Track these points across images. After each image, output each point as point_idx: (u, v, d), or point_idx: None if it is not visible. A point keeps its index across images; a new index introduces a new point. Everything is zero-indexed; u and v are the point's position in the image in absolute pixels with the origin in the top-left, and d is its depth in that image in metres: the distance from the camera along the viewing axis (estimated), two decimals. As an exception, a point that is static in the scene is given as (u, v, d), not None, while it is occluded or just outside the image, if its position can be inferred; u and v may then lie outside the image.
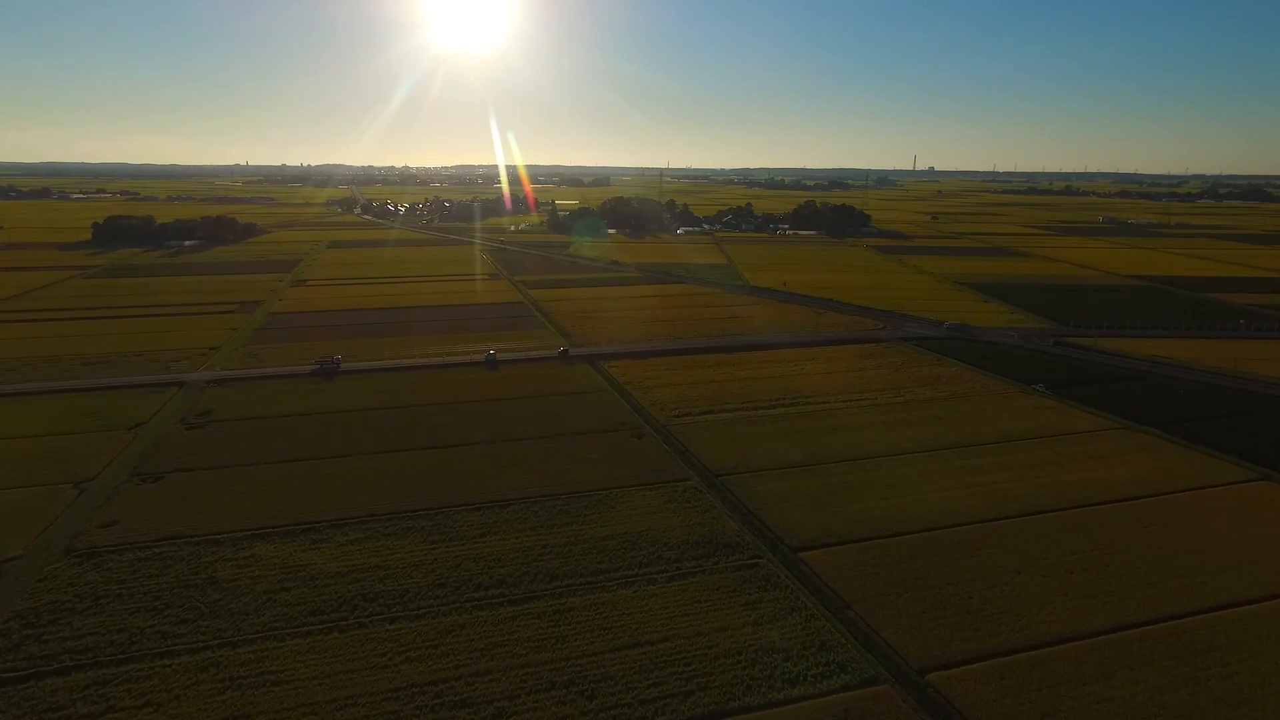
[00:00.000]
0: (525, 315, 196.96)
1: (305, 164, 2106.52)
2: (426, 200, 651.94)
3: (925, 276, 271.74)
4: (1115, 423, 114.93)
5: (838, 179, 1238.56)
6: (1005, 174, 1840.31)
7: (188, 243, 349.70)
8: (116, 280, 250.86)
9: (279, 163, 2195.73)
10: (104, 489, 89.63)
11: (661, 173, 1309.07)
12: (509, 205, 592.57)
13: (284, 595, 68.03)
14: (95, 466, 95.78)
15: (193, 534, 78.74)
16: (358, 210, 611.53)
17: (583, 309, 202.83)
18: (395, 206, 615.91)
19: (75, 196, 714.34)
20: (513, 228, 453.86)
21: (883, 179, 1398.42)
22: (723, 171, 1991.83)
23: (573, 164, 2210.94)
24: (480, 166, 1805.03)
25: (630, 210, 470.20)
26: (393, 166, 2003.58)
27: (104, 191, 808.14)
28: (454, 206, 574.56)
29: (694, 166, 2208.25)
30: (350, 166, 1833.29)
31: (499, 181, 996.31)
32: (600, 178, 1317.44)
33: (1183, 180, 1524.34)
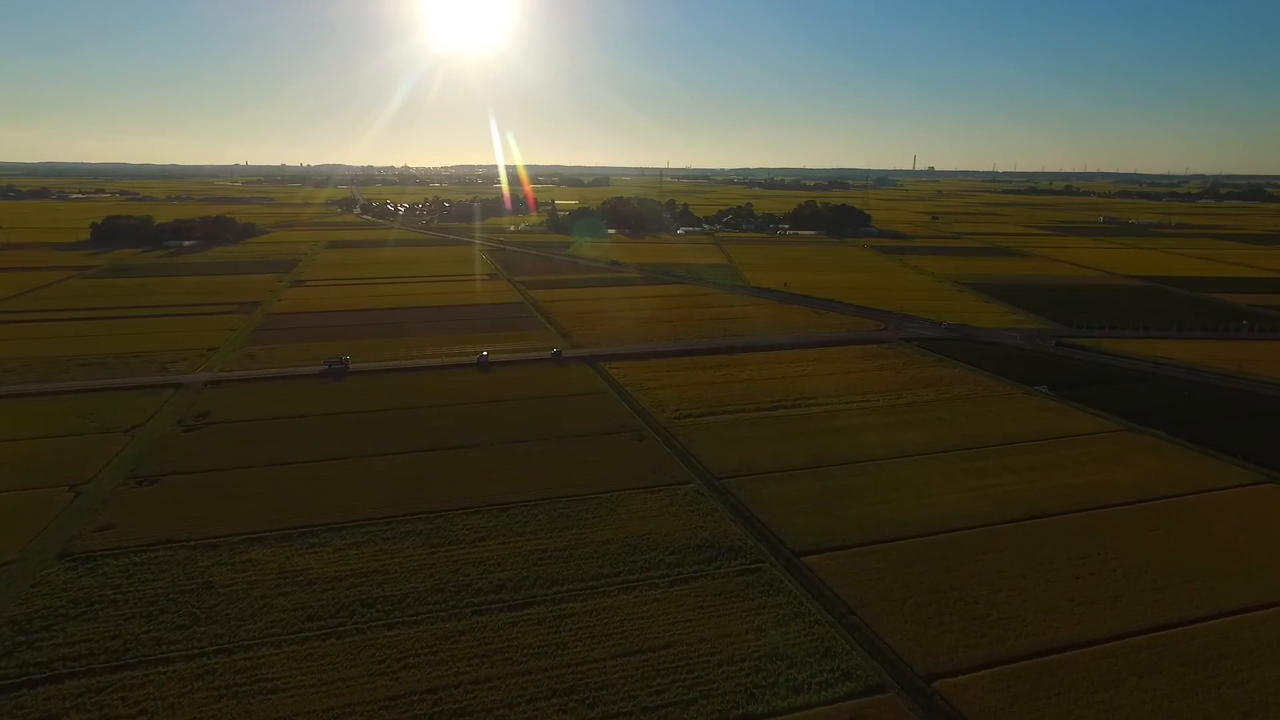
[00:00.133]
0: (525, 316, 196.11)
1: (305, 164, 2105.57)
2: (426, 200, 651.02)
3: (926, 277, 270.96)
4: (1119, 424, 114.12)
5: (838, 179, 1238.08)
6: (1005, 174, 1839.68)
7: (186, 243, 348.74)
8: (114, 280, 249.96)
9: (279, 163, 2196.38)
10: (99, 492, 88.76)
11: (661, 173, 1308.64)
12: (509, 205, 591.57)
13: (281, 600, 67.18)
14: (91, 469, 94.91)
15: (189, 538, 77.88)
16: (357, 210, 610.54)
17: (582, 309, 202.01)
18: (395, 206, 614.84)
19: (74, 196, 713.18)
20: (512, 228, 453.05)
21: (883, 179, 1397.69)
22: (722, 171, 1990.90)
23: (572, 164, 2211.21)
24: (480, 166, 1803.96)
25: (630, 210, 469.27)
26: (392, 166, 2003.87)
27: (103, 191, 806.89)
28: (453, 206, 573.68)
29: (694, 166, 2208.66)
30: (350, 166, 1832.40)
31: (498, 181, 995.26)
32: (600, 178, 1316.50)
33: (1183, 180, 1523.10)
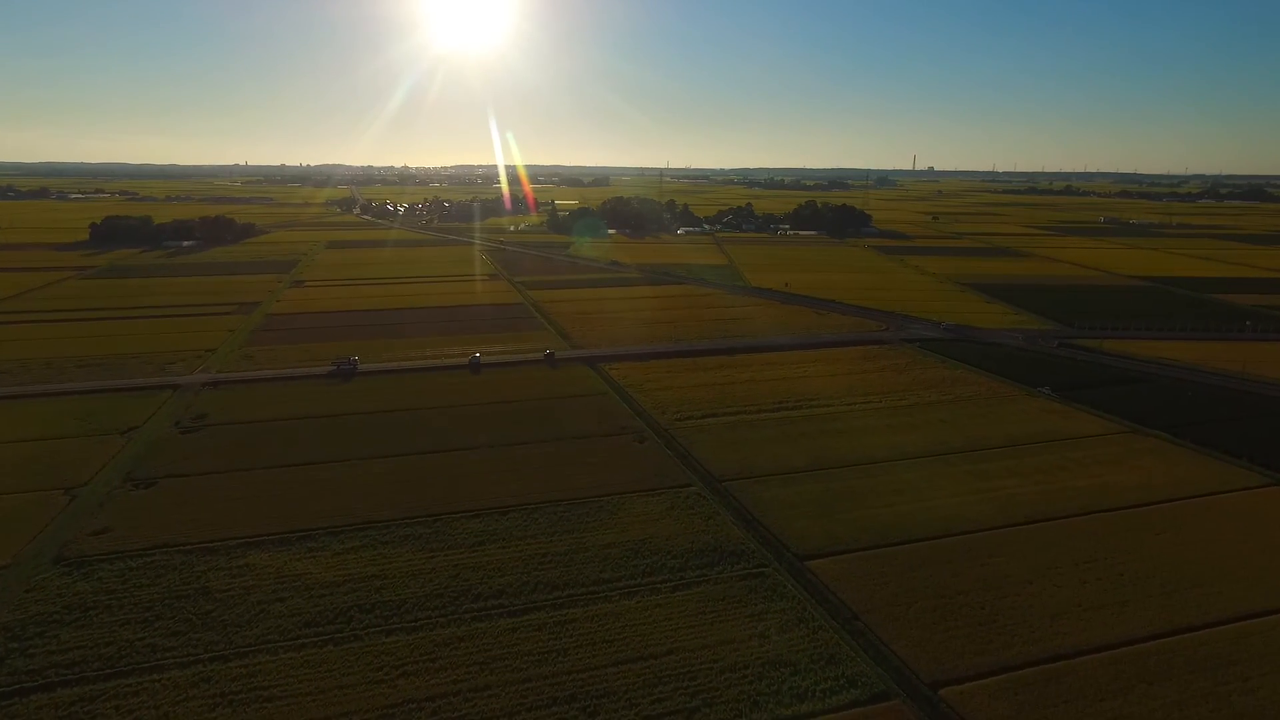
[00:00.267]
0: (525, 316, 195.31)
1: (305, 164, 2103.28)
2: (426, 200, 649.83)
3: (927, 277, 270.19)
4: (1123, 426, 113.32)
5: (837, 179, 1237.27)
6: (1005, 174, 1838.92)
7: (185, 243, 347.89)
8: (113, 281, 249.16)
9: (278, 163, 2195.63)
10: (96, 495, 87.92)
11: (661, 173, 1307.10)
12: (508, 205, 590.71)
13: (278, 606, 66.34)
14: (87, 472, 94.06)
15: (185, 542, 77.06)
16: (357, 210, 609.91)
17: (582, 310, 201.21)
18: (394, 206, 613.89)
19: (73, 196, 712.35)
20: (512, 228, 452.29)
21: (882, 179, 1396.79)
22: (722, 171, 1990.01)
23: (572, 164, 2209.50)
24: (480, 166, 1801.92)
25: (630, 210, 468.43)
26: (392, 166, 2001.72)
27: (102, 191, 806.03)
28: (453, 206, 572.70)
29: (694, 166, 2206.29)
30: (350, 166, 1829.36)
31: (498, 181, 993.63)
32: (600, 178, 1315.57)
33: (1183, 180, 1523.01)
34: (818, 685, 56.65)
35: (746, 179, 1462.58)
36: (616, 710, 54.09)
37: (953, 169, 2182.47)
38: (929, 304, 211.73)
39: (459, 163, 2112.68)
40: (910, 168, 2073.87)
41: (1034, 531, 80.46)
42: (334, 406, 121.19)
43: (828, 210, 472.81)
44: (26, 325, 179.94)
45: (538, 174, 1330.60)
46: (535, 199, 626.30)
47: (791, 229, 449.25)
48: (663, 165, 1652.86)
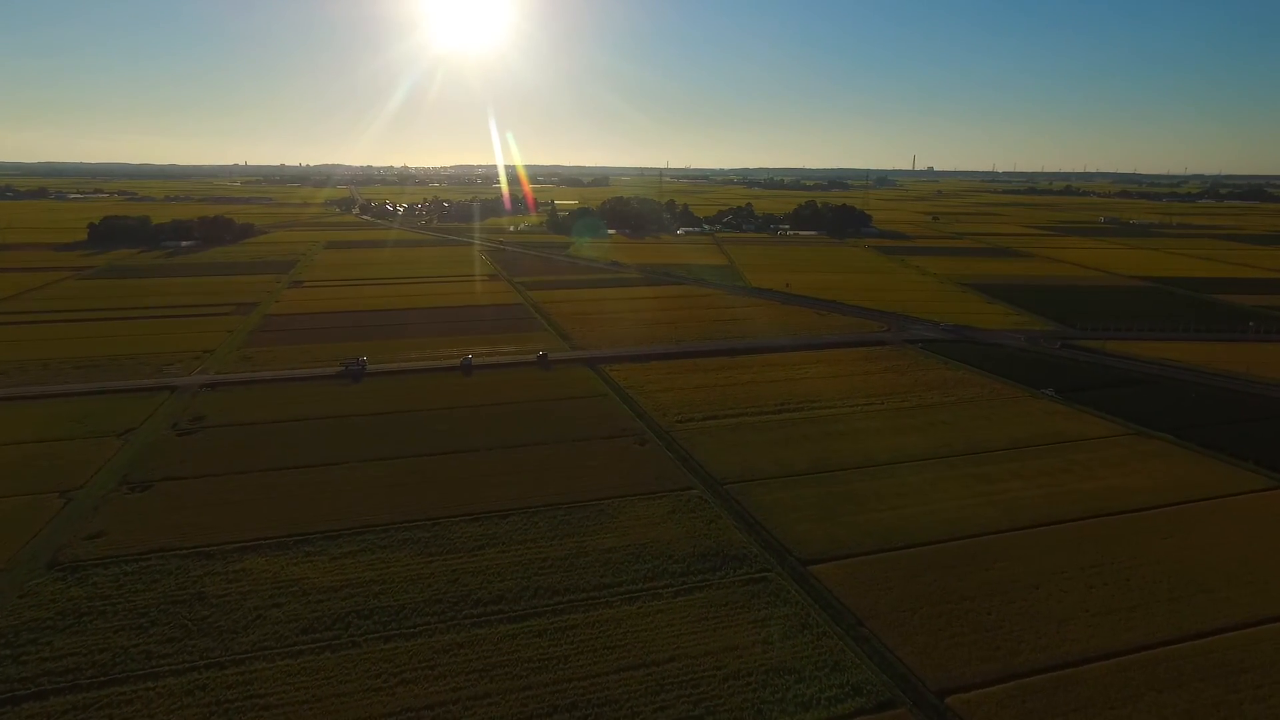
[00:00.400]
0: (524, 317, 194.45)
1: (304, 164, 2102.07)
2: (425, 200, 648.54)
3: (928, 277, 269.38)
4: (1127, 428, 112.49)
5: (837, 179, 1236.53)
6: (1004, 174, 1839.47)
7: (184, 243, 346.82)
8: (111, 281, 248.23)
9: (278, 163, 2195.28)
10: (91, 498, 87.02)
11: (661, 173, 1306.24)
12: (508, 205, 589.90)
13: (275, 612, 65.44)
14: (83, 475, 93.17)
15: (181, 546, 76.16)
16: (356, 210, 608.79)
17: (582, 310, 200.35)
18: (394, 206, 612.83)
19: (72, 196, 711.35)
20: (512, 228, 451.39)
21: (882, 179, 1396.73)
22: (722, 171, 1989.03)
23: (572, 164, 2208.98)
24: (479, 166, 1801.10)
25: (630, 210, 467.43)
26: (391, 166, 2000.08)
27: (101, 191, 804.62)
28: (453, 207, 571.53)
29: (694, 166, 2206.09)
30: (349, 166, 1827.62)
31: (498, 181, 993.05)
32: (599, 178, 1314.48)
33: (1183, 180, 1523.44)
34: (823, 693, 55.79)
35: (746, 179, 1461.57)
36: (618, 718, 53.23)
37: (952, 169, 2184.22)
38: (930, 304, 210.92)
39: (459, 163, 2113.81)
40: (910, 168, 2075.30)
41: (1039, 535, 79.63)
42: (332, 408, 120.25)
43: (828, 210, 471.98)
44: (24, 326, 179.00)
45: (537, 174, 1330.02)
46: (535, 199, 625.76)
47: (791, 229, 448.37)
48: (662, 165, 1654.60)
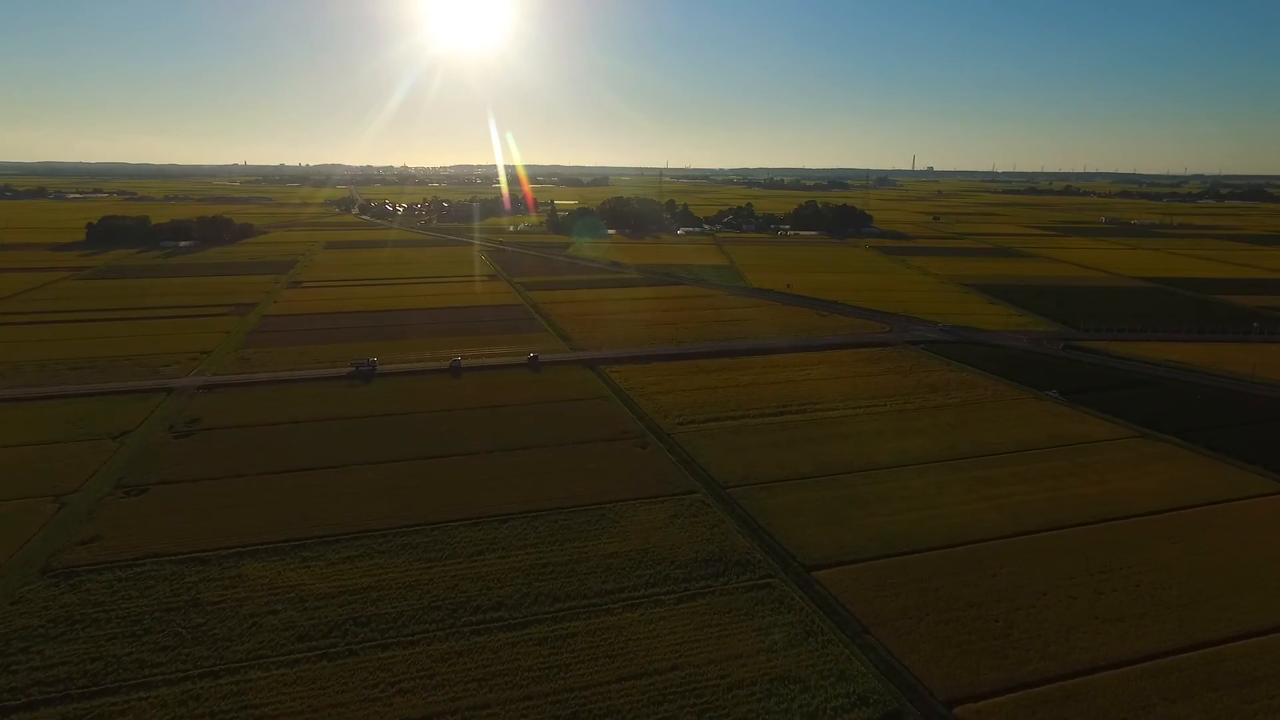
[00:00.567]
0: (524, 318, 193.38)
1: (304, 164, 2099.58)
2: (425, 200, 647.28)
3: (929, 278, 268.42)
4: (1133, 430, 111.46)
5: (837, 179, 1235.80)
6: (1004, 174, 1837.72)
7: (183, 243, 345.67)
8: (109, 282, 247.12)
9: (277, 162, 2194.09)
10: (85, 502, 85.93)
11: (661, 173, 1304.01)
12: (508, 205, 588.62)
13: (271, 619, 64.37)
14: (77, 478, 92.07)
15: (176, 552, 75.08)
16: (355, 210, 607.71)
17: (582, 311, 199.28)
18: (393, 206, 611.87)
19: (71, 196, 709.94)
20: (511, 228, 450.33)
21: (882, 179, 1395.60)
22: (722, 171, 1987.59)
23: (571, 164, 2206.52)
24: (479, 166, 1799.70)
25: (630, 210, 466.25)
26: (391, 166, 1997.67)
27: (100, 191, 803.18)
28: (452, 207, 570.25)
29: (693, 166, 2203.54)
30: (349, 166, 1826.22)
31: (498, 181, 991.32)
32: (599, 178, 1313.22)
33: (1183, 180, 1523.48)
34: (828, 703, 54.76)
35: (746, 179, 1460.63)
36: (620, 730, 52.20)
37: (952, 169, 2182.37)
38: (932, 305, 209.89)
39: (458, 163, 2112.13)
40: (910, 168, 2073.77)
41: (1046, 540, 78.61)
42: (331, 410, 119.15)
43: (828, 210, 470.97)
44: (21, 327, 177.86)
45: (537, 174, 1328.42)
46: (534, 199, 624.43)
47: (792, 229, 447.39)
48: (662, 165, 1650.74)
